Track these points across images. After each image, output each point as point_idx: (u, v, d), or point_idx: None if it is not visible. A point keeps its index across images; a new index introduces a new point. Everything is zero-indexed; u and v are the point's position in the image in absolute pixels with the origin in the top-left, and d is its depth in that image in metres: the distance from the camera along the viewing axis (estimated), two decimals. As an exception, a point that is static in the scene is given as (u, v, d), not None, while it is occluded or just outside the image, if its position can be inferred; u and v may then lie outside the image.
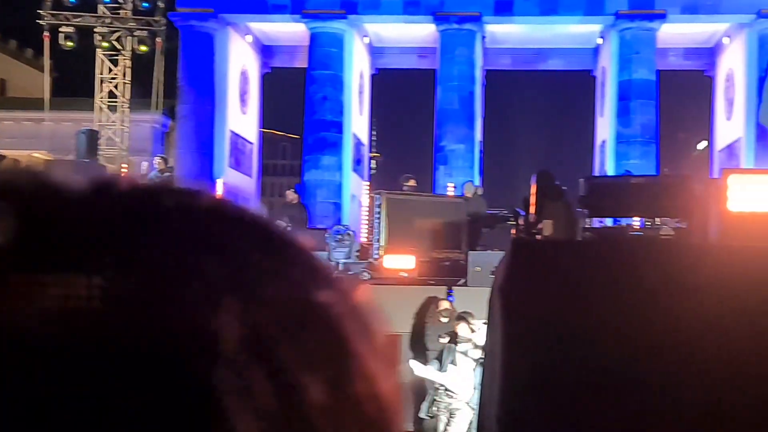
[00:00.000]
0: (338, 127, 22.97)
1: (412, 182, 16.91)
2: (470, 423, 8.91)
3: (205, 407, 0.36)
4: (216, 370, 0.37)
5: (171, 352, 0.37)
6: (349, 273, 13.05)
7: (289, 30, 23.92)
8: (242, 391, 0.37)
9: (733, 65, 23.65)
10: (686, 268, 3.81)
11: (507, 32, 23.93)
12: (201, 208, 0.44)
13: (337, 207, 22.53)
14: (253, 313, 0.39)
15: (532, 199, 4.69)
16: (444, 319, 10.00)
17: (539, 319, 3.93)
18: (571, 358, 3.75)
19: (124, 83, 24.45)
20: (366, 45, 25.24)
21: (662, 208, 5.09)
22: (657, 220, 11.67)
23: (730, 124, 23.62)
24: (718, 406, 3.37)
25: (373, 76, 26.57)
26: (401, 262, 12.28)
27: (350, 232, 13.77)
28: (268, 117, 27.54)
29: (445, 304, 10.22)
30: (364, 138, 26.04)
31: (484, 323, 9.16)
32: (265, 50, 25.96)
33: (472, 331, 9.07)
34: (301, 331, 0.40)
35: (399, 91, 28.10)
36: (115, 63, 24.47)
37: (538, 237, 4.46)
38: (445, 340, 9.52)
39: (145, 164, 20.31)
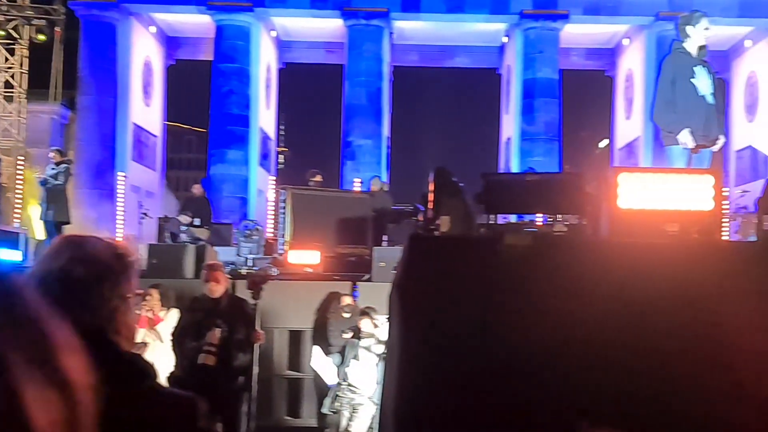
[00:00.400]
0: (245, 121, 22.72)
1: (318, 178, 16.85)
2: (373, 418, 8.92)
3: None
4: None
5: None
6: (257, 268, 12.93)
7: (194, 21, 23.52)
8: None
9: (633, 66, 24.36)
10: (575, 263, 3.88)
11: (414, 29, 24.08)
12: None
13: (244, 202, 22.31)
14: None
15: (430, 196, 4.70)
16: (346, 315, 9.98)
17: (434, 314, 3.95)
18: (465, 353, 3.78)
19: (21, 73, 23.60)
20: (273, 39, 25.03)
21: (557, 205, 5.18)
22: (559, 216, 11.91)
23: (630, 123, 24.34)
24: (611, 395, 3.45)
25: (280, 71, 26.38)
26: (306, 257, 12.21)
27: (259, 228, 13.61)
28: (173, 110, 27.04)
29: (347, 300, 10.19)
30: (272, 132, 25.84)
31: (387, 319, 9.19)
32: (170, 42, 25.48)
33: (375, 326, 9.08)
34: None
35: (307, 85, 27.97)
36: (11, 52, 23.60)
37: (436, 233, 4.48)
38: (348, 335, 9.50)
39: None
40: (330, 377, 9.42)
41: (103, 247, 1.95)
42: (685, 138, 7.12)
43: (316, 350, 9.77)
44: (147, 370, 1.91)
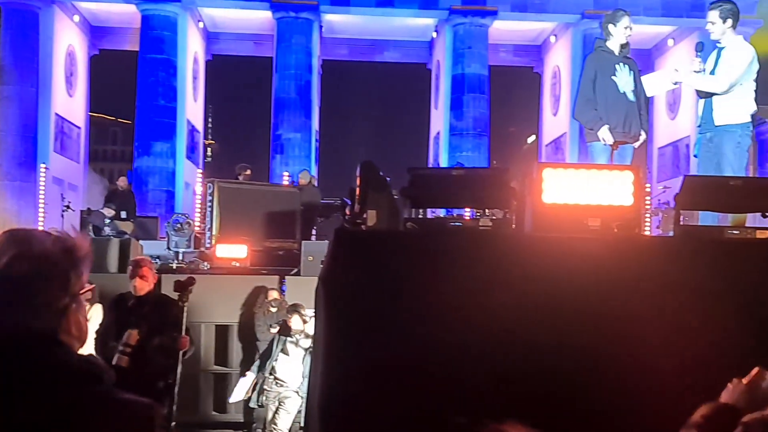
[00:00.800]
0: (171, 113, 22.37)
1: (248, 172, 16.73)
2: (299, 411, 8.90)
3: None
4: None
5: None
6: (186, 262, 12.76)
7: (119, 11, 23.07)
8: None
9: (559, 63, 24.75)
10: (499, 257, 3.93)
11: (344, 22, 24.04)
12: None
13: (170, 195, 21.99)
14: None
15: (357, 190, 4.69)
16: (273, 309, 9.93)
17: (359, 307, 3.95)
18: (388, 346, 3.79)
19: (-63, 61, 22.82)
20: (201, 30, 24.71)
21: (483, 200, 5.22)
22: (487, 211, 11.99)
23: (556, 120, 24.74)
24: (536, 384, 3.50)
25: (208, 62, 26.05)
26: (233, 251, 12.08)
27: (190, 221, 13.40)
28: (97, 101, 26.47)
29: (274, 294, 10.13)
30: (199, 125, 25.51)
31: (314, 313, 9.21)
32: (94, 31, 24.93)
33: (305, 322, 9.04)
34: None
35: (235, 78, 27.66)
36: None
37: (363, 227, 4.48)
38: (275, 330, 9.46)
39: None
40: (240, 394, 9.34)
41: (50, 243, 1.82)
42: (604, 134, 7.25)
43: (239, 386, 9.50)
44: (101, 373, 1.81)
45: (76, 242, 1.86)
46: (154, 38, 22.31)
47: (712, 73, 7.10)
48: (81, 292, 1.86)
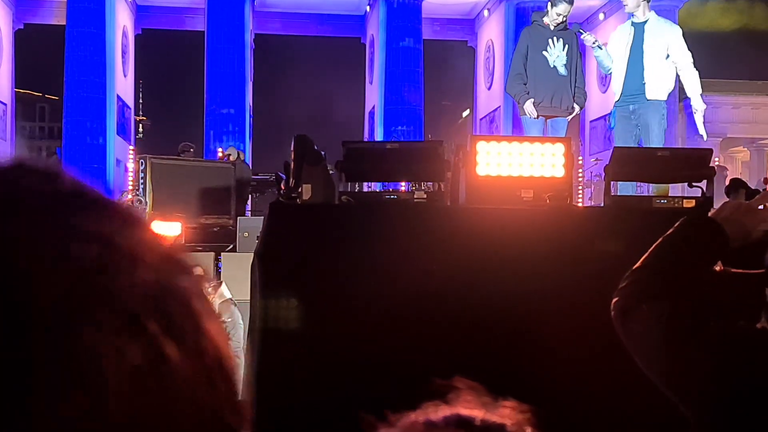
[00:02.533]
0: (101, 88, 21.88)
1: (191, 151, 16.56)
2: None
3: (81, 364, 0.45)
4: (93, 333, 0.45)
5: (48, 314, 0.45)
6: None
7: (44, -17, 22.44)
8: (116, 352, 0.46)
9: (492, 37, 24.87)
10: (434, 228, 3.96)
11: (277, -4, 23.79)
12: (62, 192, 0.52)
13: (101, 172, 21.55)
14: (124, 294, 0.48)
15: (292, 164, 4.68)
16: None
17: (295, 281, 3.96)
18: (326, 319, 3.81)
19: None
20: (129, 3, 24.18)
21: (417, 173, 5.25)
22: (423, 184, 12.02)
23: (491, 94, 24.88)
24: (463, 355, 3.55)
25: (138, 37, 25.52)
26: (167, 228, 11.92)
27: (141, 199, 13.03)
28: (23, 76, 25.75)
29: (197, 271, 10.06)
30: (130, 101, 25.01)
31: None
32: (19, 4, 24.19)
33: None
34: (165, 307, 0.50)
35: (167, 53, 27.18)
36: None
37: (298, 201, 4.47)
38: None
39: None
40: None
41: None
42: (529, 108, 7.37)
43: None
44: None
45: None
46: (81, 11, 21.73)
47: (635, 48, 7.24)
48: None
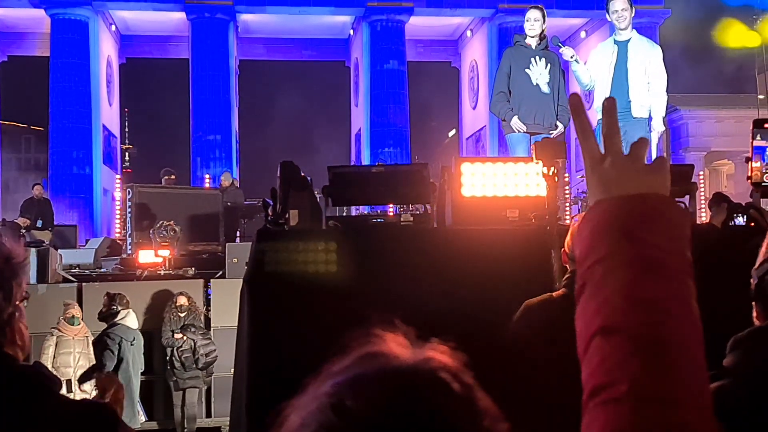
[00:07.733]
0: (86, 118, 21.88)
1: (172, 177, 16.54)
2: None
3: None
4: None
5: None
6: (104, 270, 12.51)
7: (27, 15, 22.46)
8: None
9: (476, 57, 25.03)
10: (421, 250, 3.98)
11: (260, 22, 23.88)
12: None
13: (88, 202, 21.52)
14: None
15: (279, 190, 4.69)
16: (182, 314, 9.92)
17: (282, 307, 3.96)
18: (313, 344, 3.80)
19: None
20: (113, 33, 24.23)
21: (403, 196, 5.27)
22: (410, 206, 12.02)
23: (476, 113, 25.01)
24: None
25: (122, 66, 25.56)
26: (156, 256, 11.90)
27: (175, 228, 12.63)
28: (8, 108, 25.69)
29: (182, 300, 10.05)
30: (116, 130, 25.03)
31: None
32: (2, 37, 24.22)
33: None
34: None
35: (152, 81, 27.17)
36: None
37: (285, 227, 4.48)
38: (179, 335, 9.64)
39: None
40: None
41: None
42: (516, 123, 7.41)
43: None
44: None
45: (12, 251, 1.78)
46: (65, 42, 21.78)
47: (620, 66, 7.31)
48: (21, 301, 1.79)
